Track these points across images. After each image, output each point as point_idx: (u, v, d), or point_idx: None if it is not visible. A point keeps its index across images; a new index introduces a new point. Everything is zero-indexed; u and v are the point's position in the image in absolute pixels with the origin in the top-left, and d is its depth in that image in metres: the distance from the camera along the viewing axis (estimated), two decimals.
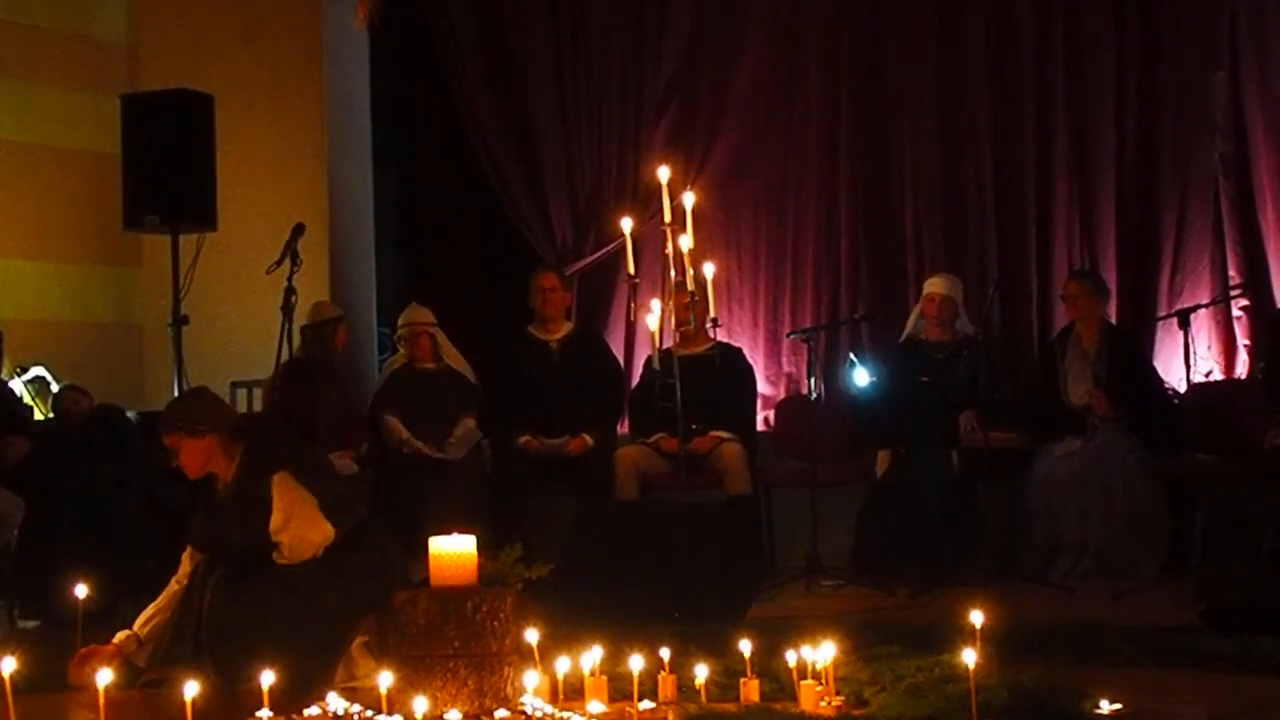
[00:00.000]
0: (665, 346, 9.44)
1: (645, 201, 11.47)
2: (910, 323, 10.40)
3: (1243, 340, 10.71)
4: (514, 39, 12.26)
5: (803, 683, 5.59)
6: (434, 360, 10.34)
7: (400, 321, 10.51)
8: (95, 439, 9.57)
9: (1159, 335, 10.69)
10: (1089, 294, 10.03)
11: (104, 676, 5.35)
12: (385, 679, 5.40)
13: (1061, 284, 10.63)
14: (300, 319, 9.83)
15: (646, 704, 5.55)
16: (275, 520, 6.67)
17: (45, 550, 8.86)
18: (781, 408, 11.31)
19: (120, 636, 6.79)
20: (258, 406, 10.83)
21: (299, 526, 6.68)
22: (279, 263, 9.18)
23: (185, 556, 7.00)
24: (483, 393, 10.30)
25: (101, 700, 5.29)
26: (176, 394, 10.83)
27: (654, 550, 7.94)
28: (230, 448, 6.86)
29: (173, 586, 6.95)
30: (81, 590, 6.59)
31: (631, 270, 8.83)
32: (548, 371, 10.30)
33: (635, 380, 10.90)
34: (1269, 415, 9.40)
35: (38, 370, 10.76)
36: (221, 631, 6.59)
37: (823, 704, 5.50)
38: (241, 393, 11.44)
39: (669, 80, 12.08)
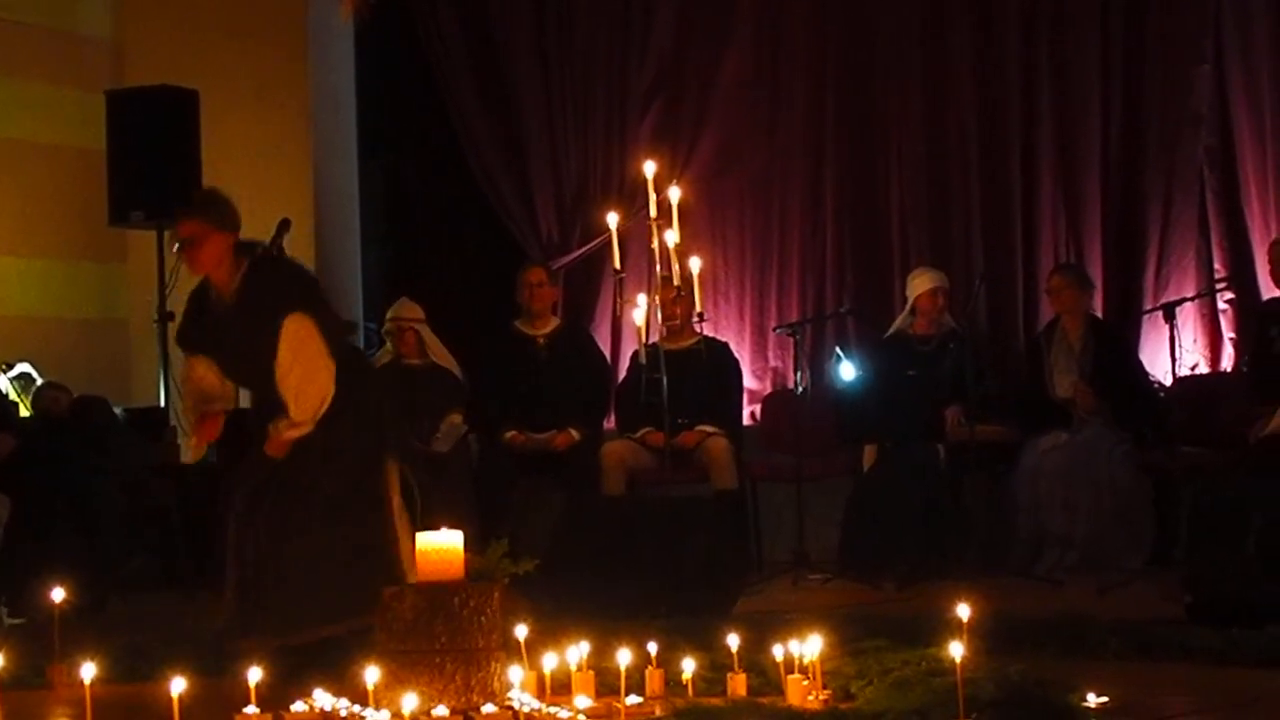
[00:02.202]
0: (651, 341, 9.43)
1: (631, 196, 11.46)
2: (899, 321, 10.42)
3: (1228, 333, 10.74)
4: (499, 33, 12.25)
5: (790, 677, 5.59)
6: (420, 356, 10.32)
7: (388, 316, 10.49)
8: (75, 435, 9.55)
9: (1145, 329, 10.70)
10: (1073, 287, 10.05)
11: (88, 671, 5.35)
12: (372, 675, 5.40)
13: (1046, 278, 10.66)
14: None
15: (634, 698, 5.55)
16: (282, 362, 6.74)
17: (31, 548, 8.85)
18: (768, 402, 11.33)
19: None
20: (245, 403, 10.81)
21: (303, 376, 6.76)
22: None
23: (190, 361, 7.11)
24: (469, 388, 10.29)
25: (88, 696, 5.29)
26: (163, 391, 10.84)
27: (641, 545, 7.94)
28: (239, 259, 6.92)
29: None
30: (58, 594, 6.57)
31: (617, 265, 8.83)
32: (534, 367, 10.29)
33: (621, 375, 10.89)
34: (1254, 408, 9.41)
35: (23, 367, 10.74)
36: (281, 581, 6.68)
37: (810, 698, 5.50)
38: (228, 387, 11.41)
39: (654, 75, 12.08)
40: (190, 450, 7.33)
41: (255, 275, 6.91)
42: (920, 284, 10.31)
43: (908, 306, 10.39)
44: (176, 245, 7.07)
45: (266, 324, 6.79)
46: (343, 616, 6.52)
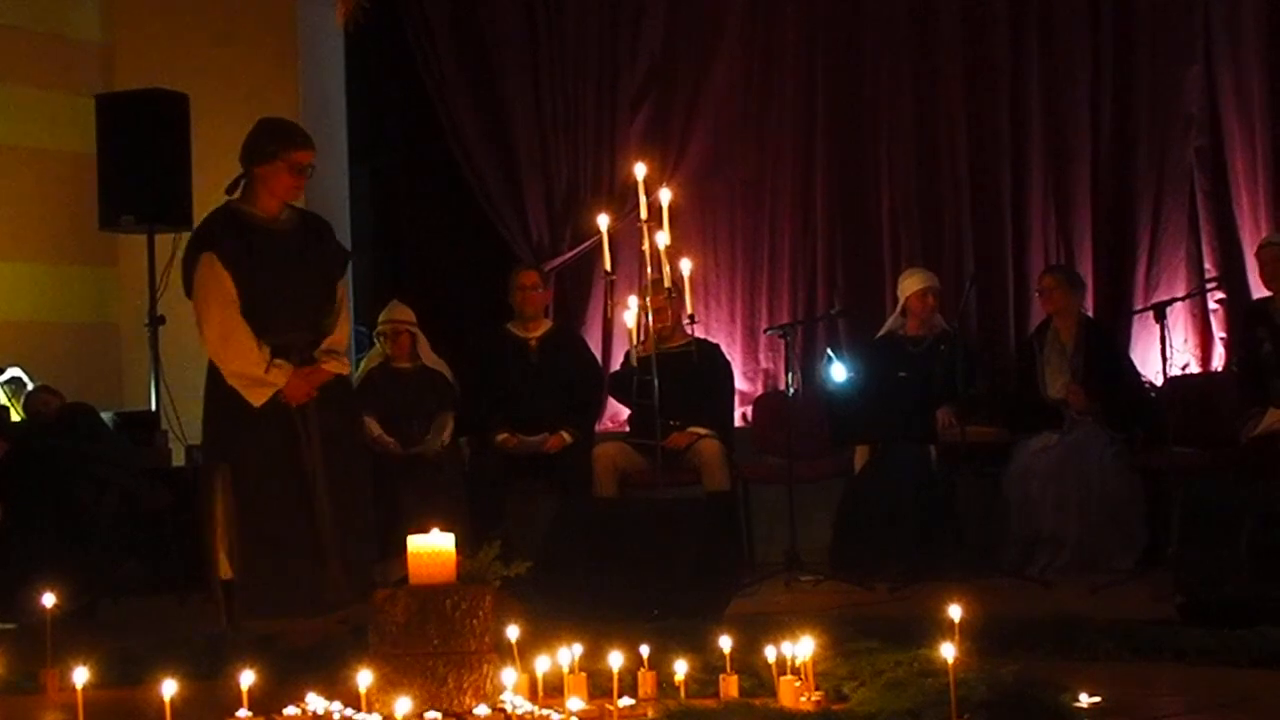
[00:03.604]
0: (642, 342, 9.44)
1: (622, 198, 11.47)
2: (890, 323, 10.43)
3: (1219, 333, 10.75)
4: (489, 36, 12.25)
5: (782, 678, 5.59)
6: (411, 359, 10.33)
7: (381, 319, 10.49)
8: (64, 439, 9.54)
9: (1135, 329, 10.71)
10: (1065, 287, 10.06)
11: (80, 676, 5.34)
12: (364, 678, 5.39)
13: (1037, 278, 10.67)
14: None
15: (626, 700, 5.55)
16: (340, 293, 7.41)
17: (22, 553, 8.84)
18: (759, 404, 11.34)
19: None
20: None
21: (343, 330, 7.39)
22: None
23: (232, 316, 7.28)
24: (461, 391, 10.29)
25: (80, 701, 5.29)
26: (154, 395, 10.82)
27: (632, 547, 7.93)
28: None
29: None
30: (50, 598, 6.57)
31: (608, 267, 8.82)
32: (526, 369, 10.29)
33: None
34: (1245, 408, 9.43)
35: (14, 371, 10.72)
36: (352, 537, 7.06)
37: (802, 699, 5.49)
38: None
39: (645, 76, 12.09)
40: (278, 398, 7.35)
41: (302, 211, 7.48)
42: (911, 284, 10.32)
43: (899, 307, 10.41)
44: (310, 163, 7.49)
45: (332, 253, 7.44)
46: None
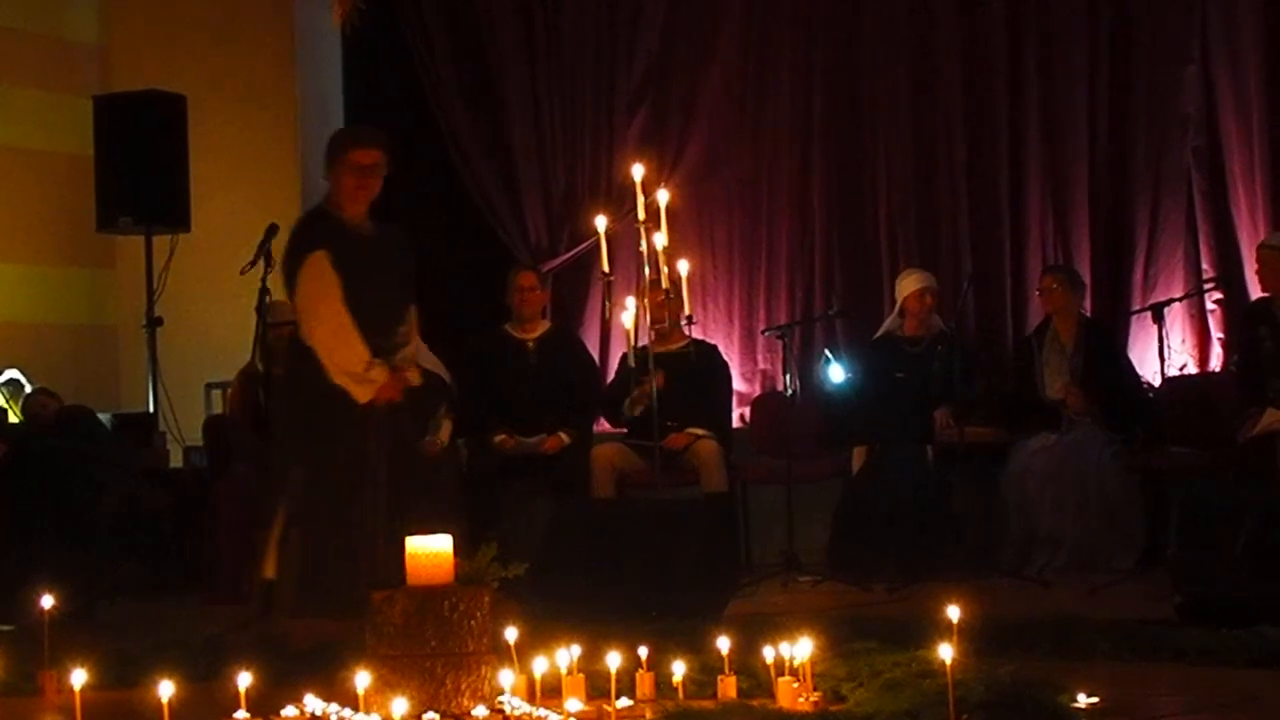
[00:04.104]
0: (640, 344, 9.44)
1: (619, 199, 11.47)
2: (888, 323, 10.42)
3: (1217, 333, 10.74)
4: (487, 37, 12.25)
5: (780, 679, 5.58)
6: None
7: None
8: (63, 442, 9.54)
9: (1133, 329, 10.71)
10: (1065, 287, 10.06)
11: (78, 678, 5.34)
12: (362, 679, 5.39)
13: (1035, 279, 10.68)
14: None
15: (624, 701, 5.55)
16: (413, 326, 7.57)
17: (18, 554, 8.83)
18: (757, 404, 11.33)
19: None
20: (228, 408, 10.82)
21: (415, 342, 7.62)
22: (253, 263, 9.14)
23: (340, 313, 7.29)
24: (458, 392, 10.29)
25: (78, 702, 5.29)
26: (151, 397, 10.82)
27: (630, 548, 7.93)
28: None
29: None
30: (48, 600, 6.57)
31: (606, 268, 8.83)
32: (524, 370, 10.29)
33: (610, 378, 10.88)
34: (1243, 408, 9.42)
35: (12, 373, 10.73)
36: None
37: (800, 700, 5.49)
38: (217, 393, 11.43)
39: (642, 77, 12.08)
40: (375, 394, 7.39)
41: (377, 216, 7.52)
42: (908, 285, 10.32)
43: (896, 307, 10.41)
44: (373, 163, 7.50)
45: (408, 259, 7.49)
46: None
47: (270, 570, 7.35)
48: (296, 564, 7.28)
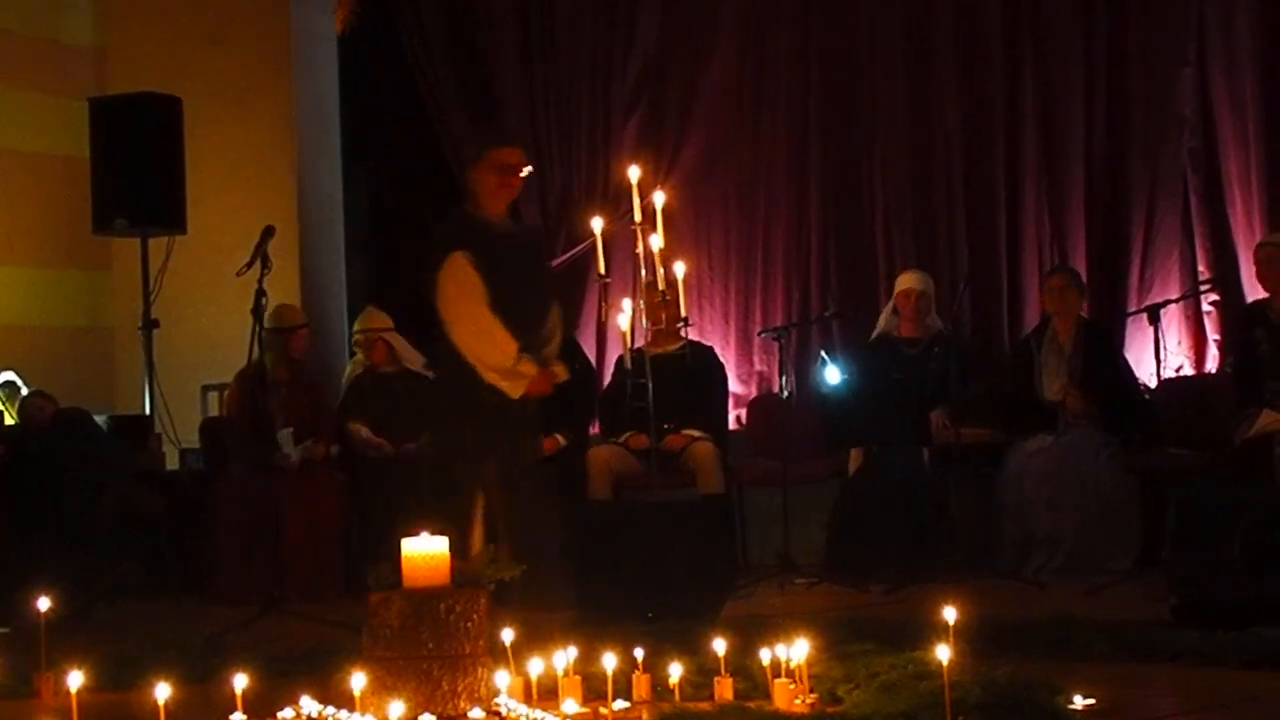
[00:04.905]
0: (636, 346, 9.43)
1: (615, 201, 11.47)
2: (882, 320, 10.42)
3: (1213, 335, 10.75)
4: (483, 39, 12.26)
5: (777, 681, 5.58)
6: (392, 364, 10.37)
7: (356, 327, 10.53)
8: (60, 444, 9.54)
9: (1129, 330, 10.71)
10: (1073, 288, 10.05)
11: (75, 680, 5.34)
12: (359, 681, 5.39)
13: (1031, 280, 10.70)
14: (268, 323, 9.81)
15: (620, 703, 5.55)
16: (557, 323, 7.57)
17: (17, 556, 8.83)
18: (753, 406, 11.33)
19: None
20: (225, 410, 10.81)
21: (559, 338, 7.63)
22: (249, 265, 9.15)
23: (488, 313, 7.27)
24: None
25: (74, 705, 5.28)
26: (148, 399, 10.82)
27: (627, 549, 7.93)
28: None
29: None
30: (45, 602, 6.56)
31: (602, 270, 8.79)
32: None
33: (606, 380, 10.88)
34: (1239, 409, 9.42)
35: (8, 375, 10.73)
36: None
37: (797, 702, 5.50)
38: (213, 395, 11.43)
39: (638, 80, 12.09)
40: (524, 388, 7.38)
41: (516, 217, 7.54)
42: (900, 284, 10.34)
43: (890, 304, 10.39)
44: (517, 162, 7.56)
45: (547, 260, 7.57)
46: None
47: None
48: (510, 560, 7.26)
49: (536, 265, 7.60)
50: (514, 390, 7.25)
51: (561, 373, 7.44)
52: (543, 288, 7.54)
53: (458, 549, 7.12)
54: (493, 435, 7.24)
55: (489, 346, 7.23)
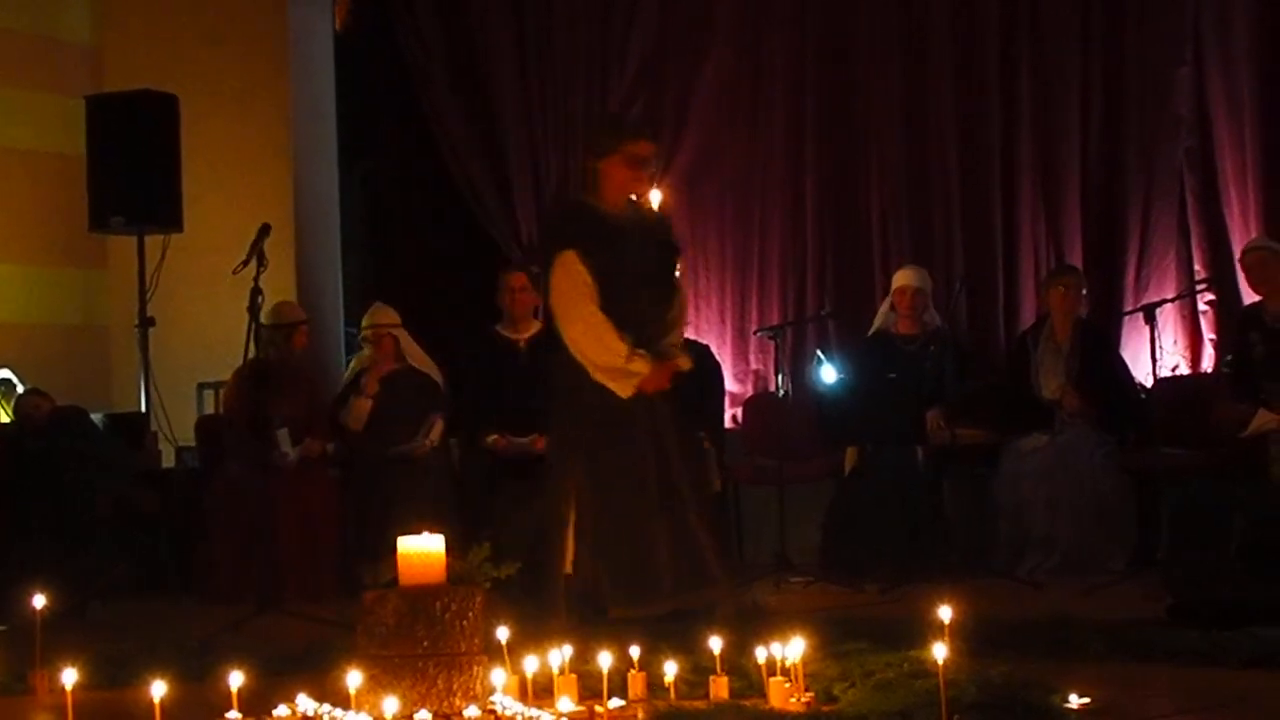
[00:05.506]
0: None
1: None
2: (880, 317, 10.41)
3: (1209, 334, 10.76)
4: (479, 38, 12.25)
5: (772, 679, 5.58)
6: (398, 361, 10.35)
7: (364, 323, 10.50)
8: (58, 443, 9.54)
9: (1125, 330, 10.71)
10: (1078, 288, 10.04)
11: (70, 677, 5.33)
12: (354, 679, 5.39)
13: (1027, 280, 10.73)
14: (267, 319, 9.81)
15: (616, 701, 5.55)
16: (680, 310, 7.59)
17: (12, 554, 8.83)
18: (749, 405, 11.33)
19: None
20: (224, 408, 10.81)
21: (683, 325, 7.79)
22: (245, 263, 9.15)
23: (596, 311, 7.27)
24: (450, 392, 10.29)
25: (69, 702, 5.28)
26: (144, 397, 10.82)
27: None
28: None
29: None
30: (39, 600, 6.56)
31: None
32: (516, 370, 10.26)
33: None
34: (1236, 410, 9.40)
35: (3, 373, 10.72)
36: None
37: (792, 700, 5.49)
38: (209, 394, 11.43)
39: (634, 78, 12.09)
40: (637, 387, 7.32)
41: (638, 205, 7.41)
42: (897, 280, 10.31)
43: (887, 300, 10.37)
44: (650, 154, 7.54)
45: (670, 248, 7.46)
46: None
47: (569, 566, 7.30)
48: (609, 561, 7.23)
49: (655, 253, 7.45)
50: (623, 390, 7.22)
51: (684, 363, 7.38)
52: (661, 276, 7.44)
53: (548, 551, 7.15)
54: (591, 435, 7.22)
55: (599, 346, 7.19)
